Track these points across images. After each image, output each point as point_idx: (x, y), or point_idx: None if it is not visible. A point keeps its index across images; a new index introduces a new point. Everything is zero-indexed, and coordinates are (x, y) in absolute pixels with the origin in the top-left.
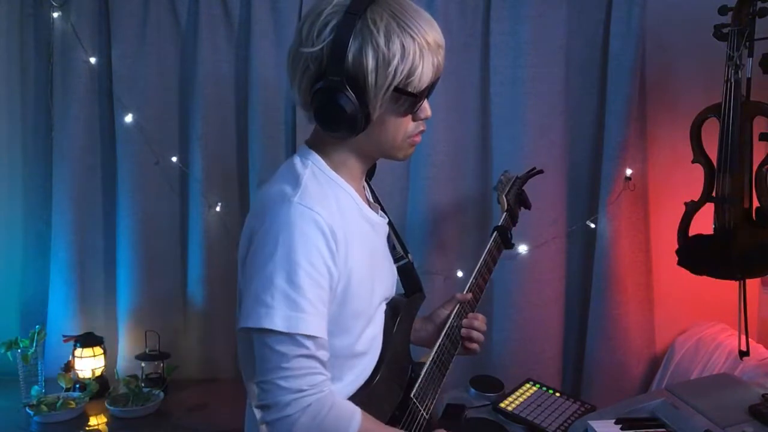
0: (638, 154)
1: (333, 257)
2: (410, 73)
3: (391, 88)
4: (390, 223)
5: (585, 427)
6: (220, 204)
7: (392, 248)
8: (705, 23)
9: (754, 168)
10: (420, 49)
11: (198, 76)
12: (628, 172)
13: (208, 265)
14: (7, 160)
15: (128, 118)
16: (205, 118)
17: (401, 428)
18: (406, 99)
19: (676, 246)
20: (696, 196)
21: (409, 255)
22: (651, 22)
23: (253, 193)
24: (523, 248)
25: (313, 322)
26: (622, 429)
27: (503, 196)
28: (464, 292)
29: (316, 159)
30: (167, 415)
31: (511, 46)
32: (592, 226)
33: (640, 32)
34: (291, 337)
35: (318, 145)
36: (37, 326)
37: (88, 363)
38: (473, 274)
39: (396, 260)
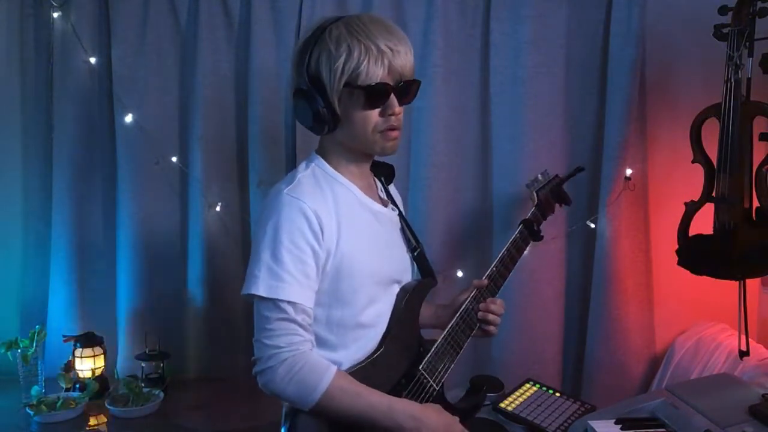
0: (638, 154)
1: (317, 239)
2: (356, 69)
3: (342, 83)
4: (402, 217)
5: (585, 427)
6: (220, 204)
7: (407, 239)
8: (705, 23)
9: (754, 168)
10: (366, 50)
11: (198, 76)
12: (628, 172)
13: (208, 265)
14: (7, 160)
15: (128, 118)
16: (205, 118)
17: (407, 396)
18: (359, 93)
19: (676, 246)
20: (696, 196)
21: (421, 245)
22: (651, 22)
23: (253, 193)
24: None
25: (292, 290)
26: (622, 429)
27: (534, 192)
28: (484, 278)
29: (318, 161)
30: (167, 415)
31: (511, 46)
32: (592, 226)
33: (640, 32)
34: (274, 303)
35: (321, 150)
36: (37, 326)
37: (88, 363)
38: (494, 263)
39: (412, 250)
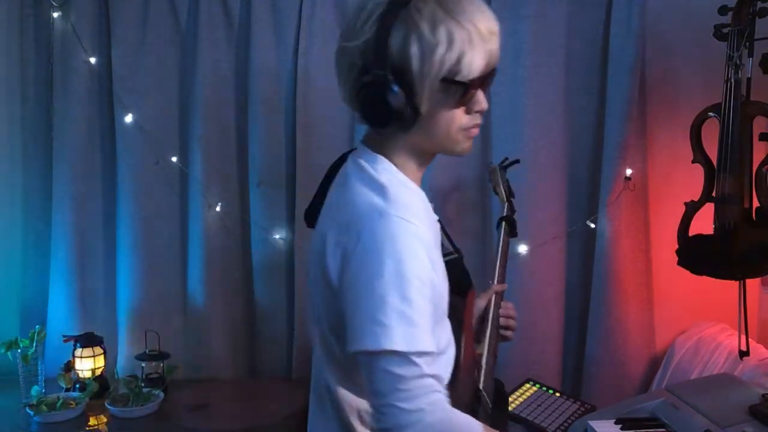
0: (638, 154)
1: (433, 267)
2: (458, 62)
3: (439, 78)
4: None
5: (585, 427)
6: (220, 204)
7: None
8: (705, 23)
9: (754, 168)
10: (469, 36)
11: (198, 76)
12: (628, 172)
13: (208, 265)
14: (7, 160)
15: (128, 118)
16: (205, 118)
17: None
18: (456, 90)
19: (676, 246)
20: (696, 196)
21: (460, 251)
22: (651, 22)
23: (253, 193)
24: (523, 248)
25: (427, 338)
26: (622, 429)
27: (500, 187)
28: (495, 283)
29: (386, 164)
30: (167, 415)
31: (511, 45)
32: (592, 226)
33: (640, 32)
34: (407, 358)
35: (378, 147)
36: (37, 326)
37: (88, 363)
38: (497, 265)
39: (445, 255)
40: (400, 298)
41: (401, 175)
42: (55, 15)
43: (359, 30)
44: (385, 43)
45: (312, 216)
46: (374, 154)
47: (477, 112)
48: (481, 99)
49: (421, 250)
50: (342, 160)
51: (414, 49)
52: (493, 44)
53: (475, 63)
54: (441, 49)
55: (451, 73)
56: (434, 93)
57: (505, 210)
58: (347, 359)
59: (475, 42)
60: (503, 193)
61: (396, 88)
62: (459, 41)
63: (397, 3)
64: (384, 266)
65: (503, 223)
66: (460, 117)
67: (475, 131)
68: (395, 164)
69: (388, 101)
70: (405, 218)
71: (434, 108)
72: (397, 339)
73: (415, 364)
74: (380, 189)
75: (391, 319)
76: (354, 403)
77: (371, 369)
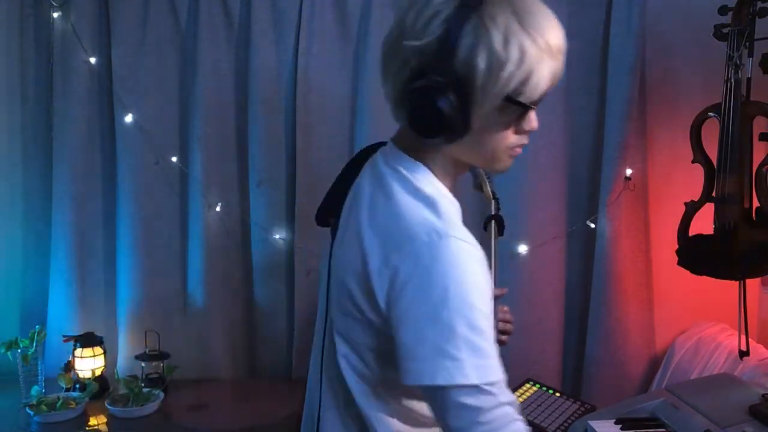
0: (638, 154)
1: (491, 289)
2: (525, 81)
3: (501, 96)
4: None
5: (585, 427)
6: (220, 204)
7: None
8: (705, 23)
9: (754, 168)
10: (539, 54)
11: (198, 76)
12: (628, 172)
13: (208, 265)
14: (7, 161)
15: (128, 118)
16: (205, 118)
17: None
18: (515, 110)
19: (676, 246)
20: (696, 196)
21: None
22: (651, 22)
23: (253, 193)
24: (523, 248)
25: (497, 365)
26: (622, 429)
27: (486, 185)
28: (493, 286)
29: (429, 175)
30: (167, 415)
31: None
32: (592, 226)
33: (640, 32)
34: (480, 388)
35: (415, 153)
36: (37, 326)
37: (88, 363)
38: (493, 266)
39: None
40: (468, 327)
41: (443, 187)
42: (55, 15)
43: (420, 29)
44: (451, 49)
45: (324, 215)
46: (414, 161)
47: (526, 132)
48: (533, 119)
49: (481, 273)
50: (361, 158)
51: (481, 61)
52: (560, 62)
53: (541, 84)
54: (510, 67)
55: (515, 92)
56: (492, 110)
57: (493, 208)
58: (386, 382)
59: (545, 60)
60: (489, 190)
61: (453, 99)
62: (529, 59)
63: (468, 6)
64: (448, 293)
65: (492, 222)
66: (509, 137)
67: (519, 151)
68: (438, 176)
69: (441, 111)
70: (463, 239)
71: (487, 125)
72: (469, 372)
73: (491, 393)
74: (431, 203)
75: (461, 351)
76: (390, 426)
77: (444, 404)
